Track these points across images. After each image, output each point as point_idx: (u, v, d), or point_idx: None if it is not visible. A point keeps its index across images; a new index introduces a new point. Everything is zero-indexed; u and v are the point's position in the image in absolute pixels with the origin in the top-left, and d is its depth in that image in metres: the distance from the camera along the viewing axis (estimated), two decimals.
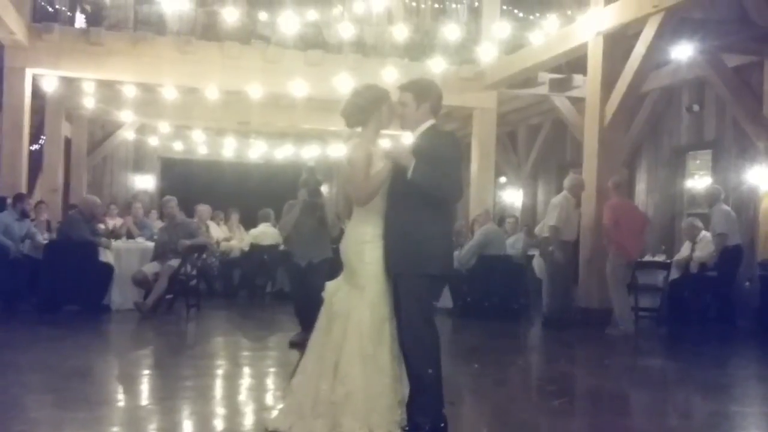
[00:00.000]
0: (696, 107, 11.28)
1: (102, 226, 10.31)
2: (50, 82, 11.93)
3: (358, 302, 4.03)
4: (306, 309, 7.01)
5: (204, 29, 12.12)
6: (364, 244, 4.08)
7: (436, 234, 3.99)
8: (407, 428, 3.93)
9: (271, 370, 6.31)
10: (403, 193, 3.98)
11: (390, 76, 10.46)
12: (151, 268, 9.11)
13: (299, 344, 7.01)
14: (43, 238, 9.58)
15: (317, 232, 7.11)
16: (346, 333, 4.00)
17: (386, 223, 4.06)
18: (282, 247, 9.56)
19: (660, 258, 10.24)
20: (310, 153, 17.29)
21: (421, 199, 3.93)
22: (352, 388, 3.91)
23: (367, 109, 4.17)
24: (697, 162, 11.73)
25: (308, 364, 4.10)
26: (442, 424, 3.96)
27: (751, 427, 4.85)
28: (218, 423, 4.46)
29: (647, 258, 10.24)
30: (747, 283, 9.75)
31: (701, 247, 9.41)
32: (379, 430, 3.85)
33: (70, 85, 12.80)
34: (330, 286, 4.20)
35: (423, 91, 4.10)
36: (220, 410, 4.81)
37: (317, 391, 3.96)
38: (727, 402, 5.50)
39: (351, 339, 3.98)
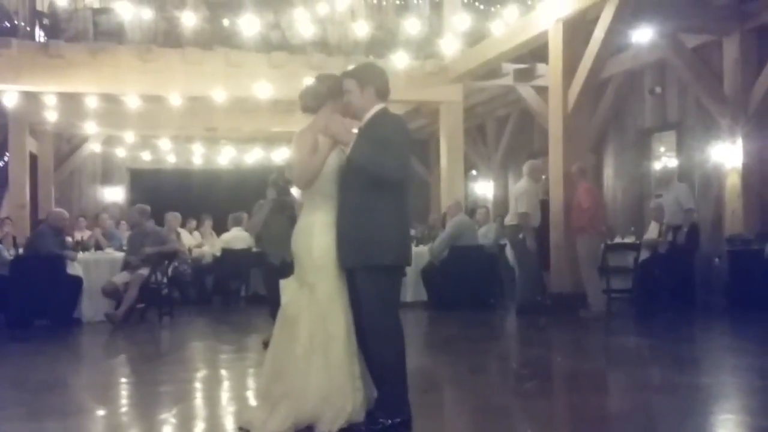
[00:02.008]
0: (658, 89, 11.41)
1: (70, 239, 10.18)
2: (11, 97, 11.78)
3: (308, 302, 3.95)
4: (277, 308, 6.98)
5: (164, 36, 11.99)
6: (312, 237, 4.00)
7: (388, 223, 3.88)
8: (365, 422, 3.88)
9: (249, 371, 6.25)
10: (353, 182, 3.90)
11: None
12: (121, 278, 9.03)
13: None
14: (9, 254, 9.43)
15: (289, 230, 7.04)
16: (294, 335, 3.95)
17: (337, 213, 3.98)
18: (255, 249, 9.47)
19: (629, 239, 10.35)
20: (279, 156, 17.23)
21: (371, 187, 3.84)
22: (291, 387, 3.88)
23: (321, 96, 4.11)
24: (662, 143, 11.87)
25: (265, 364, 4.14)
26: (400, 419, 3.87)
27: (721, 397, 4.90)
28: (197, 425, 4.42)
29: (617, 240, 10.35)
30: (716, 260, 9.88)
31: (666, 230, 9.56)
32: (330, 425, 3.80)
33: (32, 99, 12.65)
34: (282, 286, 4.11)
35: (365, 75, 4.02)
36: (197, 413, 4.77)
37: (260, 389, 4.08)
38: (699, 374, 5.58)
39: (300, 339, 3.92)
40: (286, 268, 6.89)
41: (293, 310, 4.00)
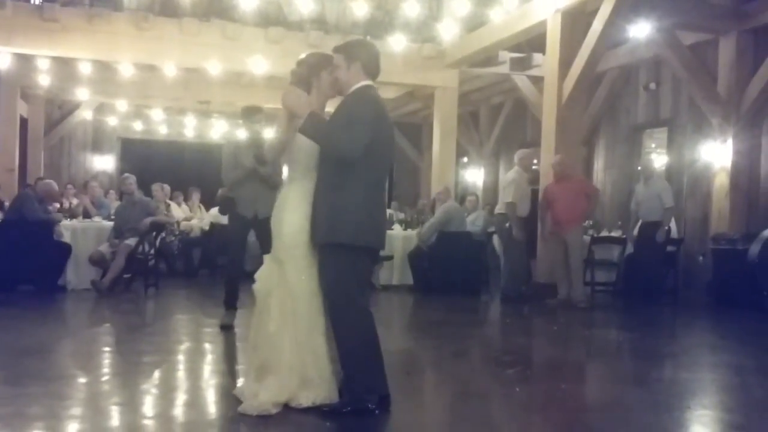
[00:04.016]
0: (653, 85, 11.44)
1: (57, 206, 10.13)
2: (3, 59, 11.65)
3: (278, 279, 3.95)
4: (235, 278, 6.67)
5: (162, 5, 11.86)
6: (284, 212, 3.99)
7: (354, 202, 3.82)
8: (334, 405, 3.86)
9: (232, 345, 6.27)
10: (329, 158, 3.89)
11: None
12: (107, 247, 9.00)
13: (230, 326, 6.66)
14: None
15: (263, 188, 6.66)
16: (266, 310, 3.97)
17: (315, 187, 3.95)
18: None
19: (616, 233, 10.41)
20: (271, 133, 17.14)
21: (344, 165, 3.81)
22: (267, 361, 3.92)
23: (306, 77, 4.09)
24: (654, 139, 11.91)
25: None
26: (371, 406, 3.83)
27: (698, 392, 4.97)
28: (178, 396, 4.44)
29: (604, 233, 10.42)
30: (700, 258, 9.98)
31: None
32: (302, 401, 3.85)
33: (24, 62, 12.52)
34: (264, 259, 4.11)
35: (353, 50, 3.97)
36: (179, 384, 4.80)
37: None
38: (677, 369, 5.65)
39: (272, 315, 3.93)
40: (258, 226, 6.47)
41: (263, 285, 4.01)
